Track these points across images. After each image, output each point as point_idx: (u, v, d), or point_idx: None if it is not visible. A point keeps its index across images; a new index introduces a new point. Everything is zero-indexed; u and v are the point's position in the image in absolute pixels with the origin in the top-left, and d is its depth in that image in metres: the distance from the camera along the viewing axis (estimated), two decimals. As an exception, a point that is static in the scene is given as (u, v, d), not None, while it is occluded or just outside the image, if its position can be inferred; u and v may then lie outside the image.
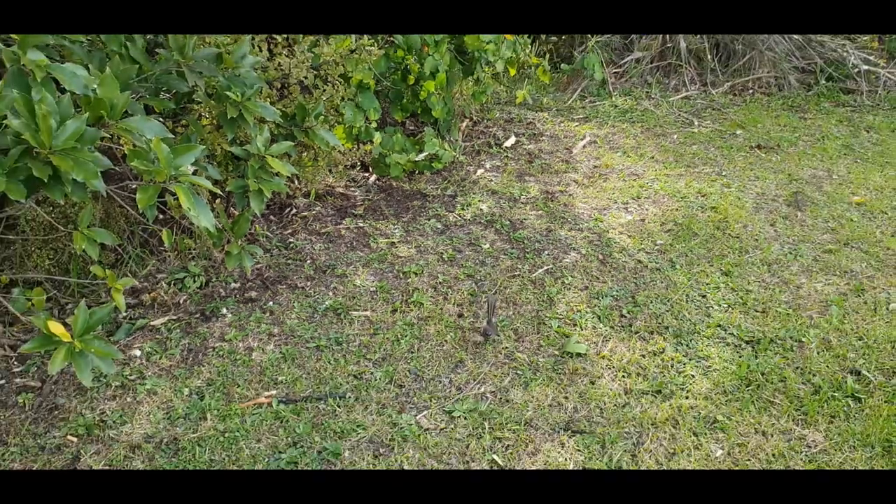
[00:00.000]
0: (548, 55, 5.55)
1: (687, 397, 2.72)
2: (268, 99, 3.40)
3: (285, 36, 3.44)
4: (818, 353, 2.97)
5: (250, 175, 2.94)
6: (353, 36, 3.63)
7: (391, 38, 3.91)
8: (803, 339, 3.05)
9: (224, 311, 3.25)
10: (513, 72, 4.67)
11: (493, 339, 3.01)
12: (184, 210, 2.22)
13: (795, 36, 6.96)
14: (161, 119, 3.45)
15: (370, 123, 4.07)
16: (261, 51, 3.23)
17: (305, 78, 3.36)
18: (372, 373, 2.85)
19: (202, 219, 2.24)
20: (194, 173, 2.39)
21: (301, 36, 3.43)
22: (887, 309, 3.29)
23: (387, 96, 4.47)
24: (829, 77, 6.92)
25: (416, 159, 4.26)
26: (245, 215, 3.02)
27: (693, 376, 2.84)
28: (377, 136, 4.03)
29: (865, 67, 6.79)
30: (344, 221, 3.99)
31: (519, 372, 2.86)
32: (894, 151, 5.29)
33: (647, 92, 6.58)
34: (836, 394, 2.73)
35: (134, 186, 3.18)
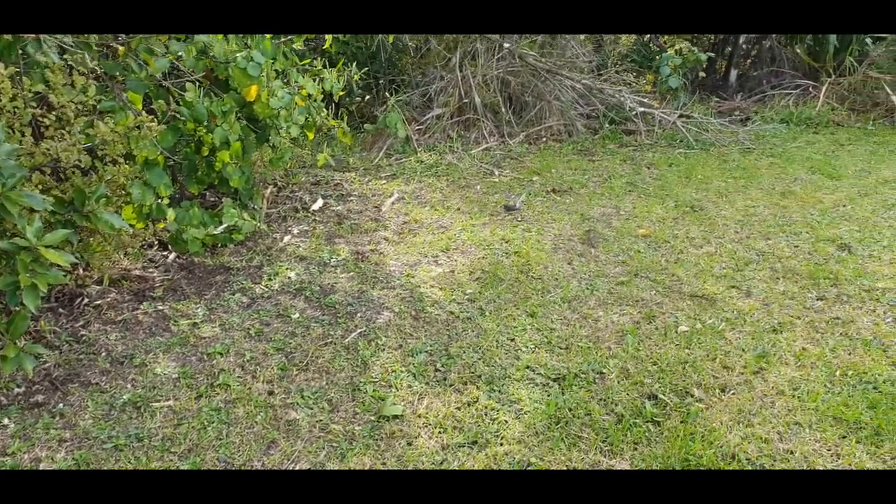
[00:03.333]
0: (346, 117, 5.60)
1: (501, 444, 2.76)
2: (39, 186, 3.16)
3: (56, 117, 3.23)
4: (618, 383, 3.13)
5: (21, 270, 2.70)
6: (132, 113, 3.47)
7: (176, 112, 3.78)
8: (604, 371, 3.22)
9: (6, 421, 2.92)
10: (311, 136, 4.67)
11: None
12: (-71, 320, 1.99)
13: (578, 85, 7.52)
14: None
15: (162, 200, 3.89)
16: (23, 136, 3.00)
17: (79, 161, 3.16)
18: (178, 467, 2.66)
19: (-48, 328, 2.01)
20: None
21: (74, 116, 3.24)
22: (676, 332, 3.54)
23: (180, 169, 4.31)
24: (611, 121, 7.52)
25: (216, 232, 4.11)
26: (21, 314, 2.77)
27: (506, 422, 2.89)
28: (171, 213, 3.85)
29: (641, 109, 7.45)
30: (142, 306, 3.75)
31: (334, 444, 2.78)
32: (672, 185, 5.80)
33: (450, 146, 6.83)
34: (637, 420, 2.89)
35: None
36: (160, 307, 3.75)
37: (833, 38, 9.14)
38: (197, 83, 3.88)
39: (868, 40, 9.21)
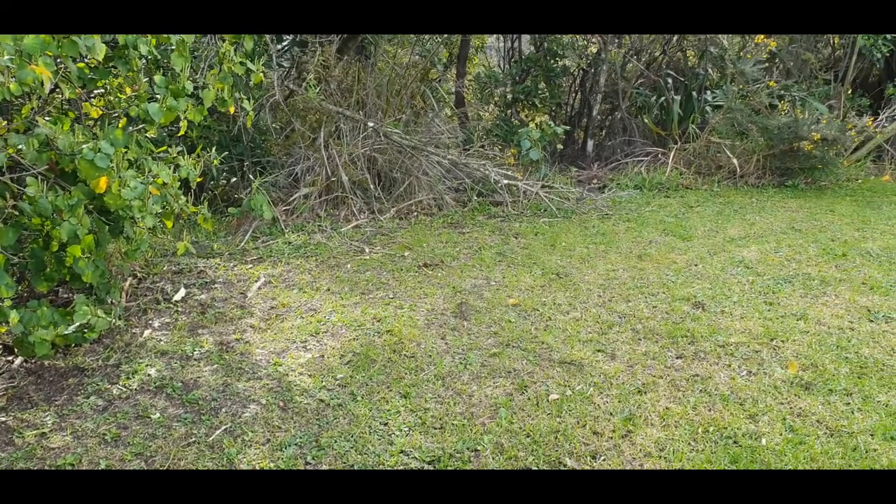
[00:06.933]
0: (208, 202, 5.47)
1: (377, 537, 2.67)
2: None
3: None
4: (493, 460, 3.12)
5: None
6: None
7: (16, 208, 3.56)
8: (479, 448, 3.20)
9: None
10: (170, 224, 4.51)
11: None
12: None
13: (445, 160, 7.70)
14: None
15: (4, 302, 3.61)
16: None
17: None
18: None
19: None
20: None
21: None
22: (548, 401, 3.59)
23: (26, 267, 4.04)
24: (479, 193, 7.72)
25: (67, 332, 3.85)
26: None
27: (381, 512, 2.80)
28: (14, 315, 3.57)
29: (506, 181, 7.70)
30: (-19, 419, 3.44)
31: (197, 554, 2.59)
32: (538, 253, 5.98)
33: (319, 226, 6.78)
34: (512, 496, 2.87)
35: None
36: (3, 419, 3.44)
37: (676, 107, 9.88)
38: (40, 177, 3.68)
39: (708, 108, 10.00)
